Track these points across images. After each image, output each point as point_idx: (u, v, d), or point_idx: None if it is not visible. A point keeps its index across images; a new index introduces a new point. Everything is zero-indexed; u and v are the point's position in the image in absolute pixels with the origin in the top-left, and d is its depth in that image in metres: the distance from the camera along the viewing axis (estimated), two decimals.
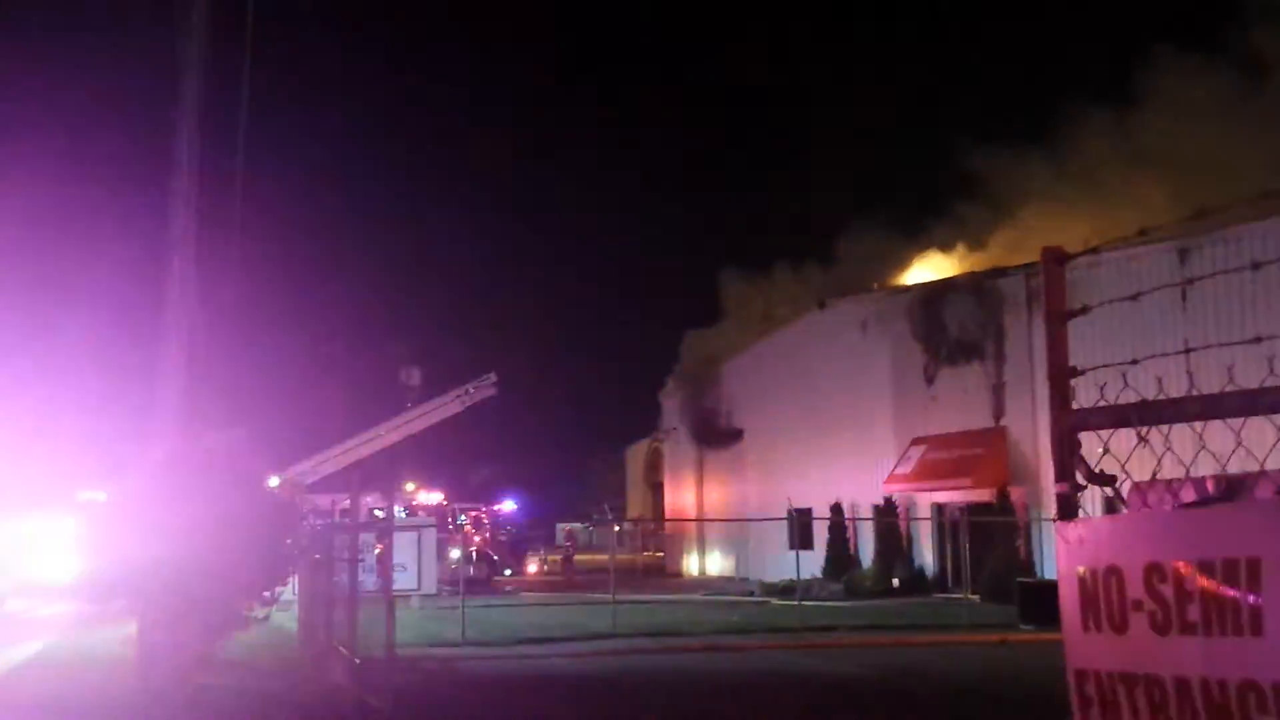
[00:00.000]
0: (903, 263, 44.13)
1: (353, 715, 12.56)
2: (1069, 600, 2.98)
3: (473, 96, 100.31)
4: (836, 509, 35.73)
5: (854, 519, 35.46)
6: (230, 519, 14.80)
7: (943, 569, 33.54)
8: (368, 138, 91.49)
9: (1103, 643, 2.86)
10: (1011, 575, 27.51)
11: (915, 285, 37.72)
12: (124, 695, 13.94)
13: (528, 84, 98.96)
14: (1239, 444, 2.56)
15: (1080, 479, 3.02)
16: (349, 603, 14.02)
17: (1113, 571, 2.81)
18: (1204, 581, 2.55)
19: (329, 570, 15.90)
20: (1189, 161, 36.50)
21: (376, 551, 16.11)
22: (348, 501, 30.82)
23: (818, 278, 49.62)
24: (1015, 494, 30.99)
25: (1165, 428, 2.70)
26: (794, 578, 30.02)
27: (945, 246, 43.51)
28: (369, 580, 15.58)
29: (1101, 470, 2.97)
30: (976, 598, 29.22)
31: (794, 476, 39.08)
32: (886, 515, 34.53)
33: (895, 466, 34.45)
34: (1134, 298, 3.06)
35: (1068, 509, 3.06)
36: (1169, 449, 2.74)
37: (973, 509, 31.28)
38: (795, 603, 26.48)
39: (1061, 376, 3.09)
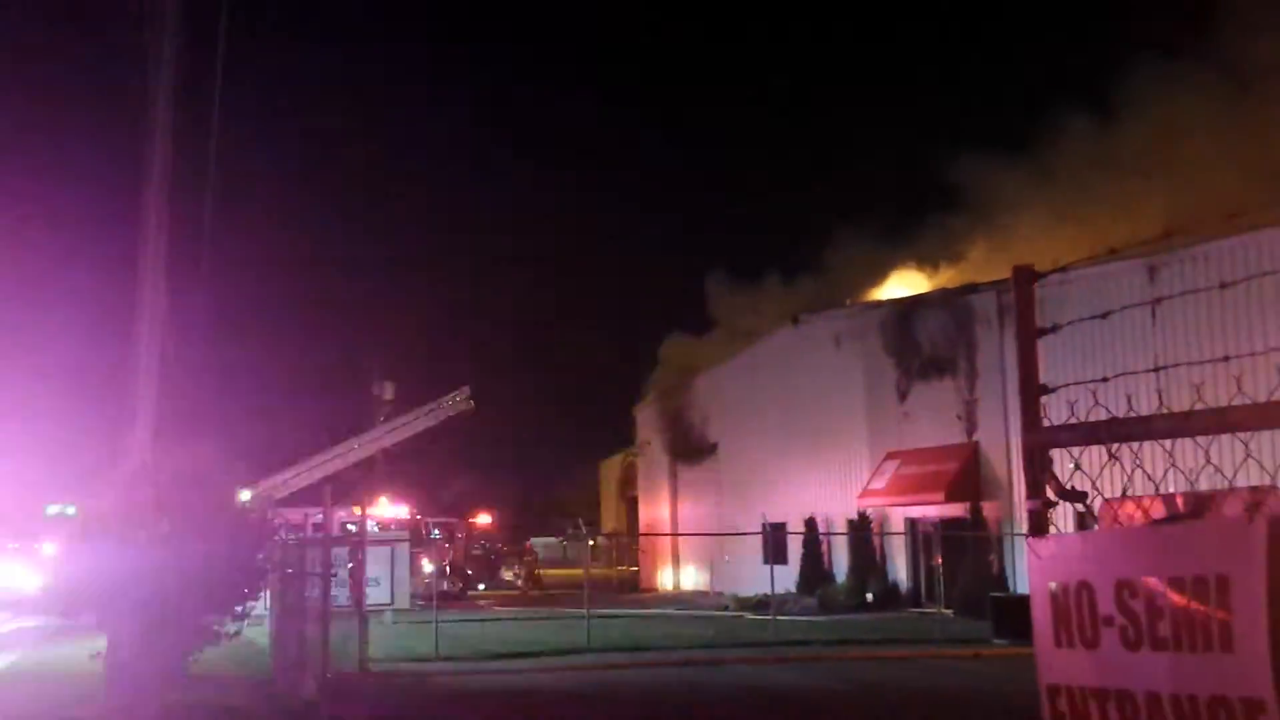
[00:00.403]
0: (887, 273, 44.29)
1: None
2: (1041, 615, 3.00)
3: (453, 103, 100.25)
4: (810, 523, 35.78)
5: (828, 534, 35.53)
6: (201, 533, 14.72)
7: (916, 584, 33.64)
8: (342, 148, 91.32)
9: (1074, 658, 2.88)
10: (984, 590, 27.61)
11: (888, 301, 37.92)
12: (92, 711, 13.80)
13: (510, 91, 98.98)
14: (1208, 461, 2.59)
15: (1051, 495, 3.04)
16: (321, 617, 13.94)
17: (1084, 587, 2.83)
18: (1175, 598, 2.57)
19: (301, 585, 15.82)
20: (1173, 170, 36.76)
21: (349, 566, 16.04)
22: (319, 516, 30.67)
23: (808, 287, 49.66)
24: (988, 509, 31.13)
25: (1135, 445, 2.72)
26: (768, 592, 30.04)
27: (929, 258, 43.67)
28: (341, 595, 15.47)
29: (1073, 487, 2.99)
30: (950, 612, 29.31)
31: (768, 491, 39.14)
32: (860, 530, 34.61)
33: (869, 481, 34.55)
34: (1104, 316, 3.09)
35: (1039, 525, 3.08)
36: (1139, 466, 2.77)
37: (946, 524, 31.40)
38: (769, 617, 26.49)
39: (1032, 394, 3.12)
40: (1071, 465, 3.01)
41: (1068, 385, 2.96)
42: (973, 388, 32.30)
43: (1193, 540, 2.56)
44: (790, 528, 35.50)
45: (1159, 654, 2.63)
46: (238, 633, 16.74)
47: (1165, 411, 2.62)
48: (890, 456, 34.28)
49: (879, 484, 34.13)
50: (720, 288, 56.10)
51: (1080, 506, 2.97)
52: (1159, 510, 2.72)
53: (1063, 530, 3.10)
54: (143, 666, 13.86)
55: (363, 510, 25.67)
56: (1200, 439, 2.52)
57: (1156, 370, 2.83)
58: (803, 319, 40.22)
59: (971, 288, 33.80)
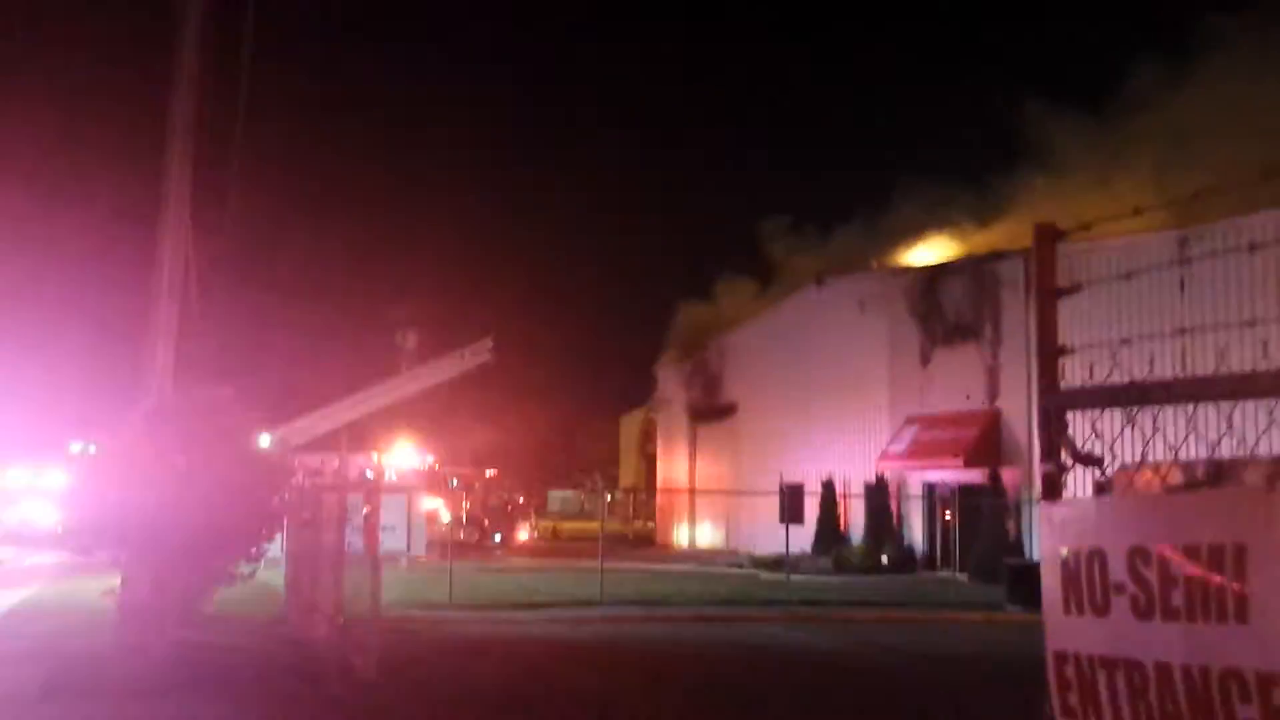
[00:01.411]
0: (936, 230, 43.36)
1: (336, 674, 12.55)
2: (1051, 581, 2.93)
3: (486, 45, 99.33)
4: (828, 485, 35.77)
5: (845, 495, 35.51)
6: (218, 474, 14.77)
7: (931, 548, 33.62)
8: (367, 96, 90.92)
9: (1083, 625, 2.81)
10: (1000, 556, 27.54)
11: (914, 266, 37.65)
12: (106, 647, 13.93)
13: (545, 27, 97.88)
14: (1229, 427, 2.50)
15: (1066, 459, 2.96)
16: (335, 562, 13.99)
17: (1096, 553, 2.76)
18: (1190, 567, 2.49)
19: (317, 530, 15.87)
20: (1242, 132, 35.59)
21: (365, 512, 16.09)
22: (338, 462, 30.79)
23: (862, 237, 48.53)
24: (1007, 475, 31.01)
25: (1155, 411, 2.63)
26: (783, 552, 30.07)
27: (978, 216, 42.62)
28: (356, 541, 15.54)
29: (1089, 451, 2.91)
30: (964, 577, 29.31)
31: (787, 452, 39.09)
32: (878, 493, 34.58)
33: (888, 445, 34.47)
34: (1127, 277, 2.99)
35: (1052, 489, 3.00)
36: (1158, 430, 2.68)
37: (964, 489, 31.33)
38: (784, 576, 26.52)
39: (1050, 355, 3.03)
40: (1089, 430, 2.92)
41: (1088, 347, 2.87)
42: (996, 354, 32.10)
43: (1211, 508, 2.48)
44: (808, 489, 35.48)
45: (1171, 624, 2.56)
46: (253, 574, 16.87)
47: (1187, 376, 2.53)
48: (910, 421, 34.17)
49: (898, 447, 34.05)
50: (773, 233, 55.13)
51: (1096, 472, 2.88)
52: (1176, 478, 2.64)
53: (1078, 496, 3.02)
54: (157, 604, 13.96)
55: (379, 458, 25.75)
56: (1223, 404, 2.43)
57: (1181, 334, 2.73)
58: (827, 281, 40.00)
59: (998, 254, 33.51)
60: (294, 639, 15.38)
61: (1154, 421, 2.63)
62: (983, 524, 30.36)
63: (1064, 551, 2.86)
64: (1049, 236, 3.02)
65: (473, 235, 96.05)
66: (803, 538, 33.36)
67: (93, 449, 17.66)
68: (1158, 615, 2.59)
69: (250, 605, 18.29)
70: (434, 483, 38.81)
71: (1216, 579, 2.43)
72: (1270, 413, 2.36)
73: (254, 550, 16.11)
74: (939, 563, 32.82)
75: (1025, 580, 23.59)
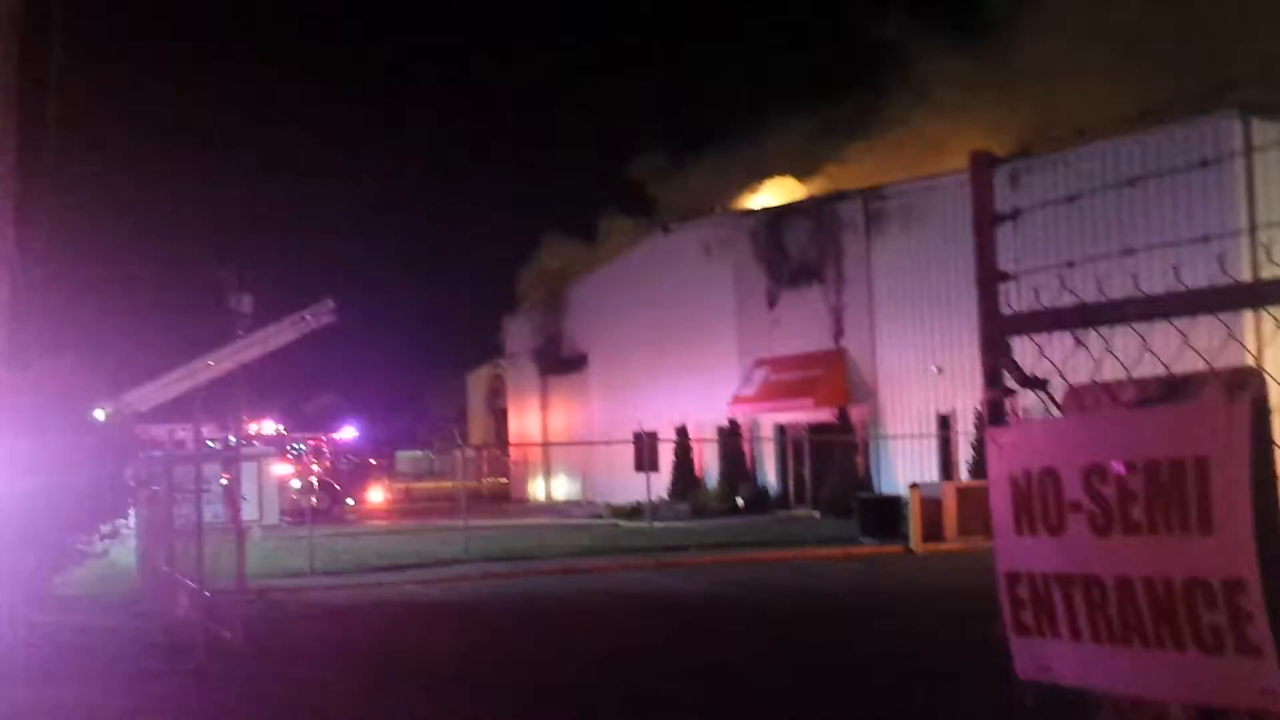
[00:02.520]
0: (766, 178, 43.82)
1: (203, 647, 12.17)
2: (1000, 504, 2.96)
3: (308, 4, 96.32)
4: (682, 431, 36.17)
5: (699, 440, 35.97)
6: (63, 450, 14.12)
7: (785, 488, 34.37)
8: (193, 43, 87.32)
9: (1037, 545, 2.86)
10: (851, 492, 28.38)
11: (757, 209, 38.12)
12: None
13: None
14: (1186, 343, 2.56)
15: (1012, 384, 2.99)
16: (196, 535, 13.54)
17: (1049, 474, 2.80)
18: (1149, 481, 2.55)
19: (169, 503, 15.32)
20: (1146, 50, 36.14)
21: (223, 482, 15.60)
22: (182, 432, 29.77)
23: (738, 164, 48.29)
24: (855, 413, 31.85)
25: (1106, 333, 2.67)
26: (640, 500, 30.36)
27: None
28: (209, 512, 15.06)
29: (1034, 374, 2.95)
30: (817, 514, 30.08)
31: (639, 400, 39.36)
32: (731, 436, 35.13)
33: (739, 388, 35.00)
34: (1070, 200, 3.03)
35: (998, 415, 3.04)
36: (1109, 351, 2.73)
37: (814, 429, 32.06)
38: (646, 524, 26.76)
39: (990, 280, 3.05)
40: (1033, 354, 2.96)
41: (1031, 272, 2.91)
42: (840, 294, 32.81)
43: (1170, 423, 2.53)
44: (662, 436, 35.86)
45: (1131, 537, 2.62)
46: (105, 552, 16.21)
47: (1138, 296, 2.58)
48: (760, 363, 34.74)
49: (749, 391, 34.60)
50: (644, 167, 54.80)
51: (1042, 394, 2.93)
52: (1129, 396, 2.69)
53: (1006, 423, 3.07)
54: (4, 589, 13.31)
55: (229, 426, 24.99)
56: (1177, 322, 2.48)
57: (1128, 254, 2.78)
58: (672, 227, 40.22)
59: (839, 194, 34.18)
60: (154, 616, 14.88)
61: (1105, 343, 2.67)
62: (833, 462, 31.17)
63: (1014, 473, 2.89)
64: (984, 163, 3.03)
65: (312, 193, 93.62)
66: (658, 484, 33.73)
67: None
68: (1116, 530, 2.64)
69: (102, 583, 17.62)
70: (282, 449, 37.90)
71: (1178, 492, 2.49)
72: (1229, 327, 2.42)
73: (105, 527, 15.46)
74: (793, 501, 33.59)
75: (875, 513, 24.38)
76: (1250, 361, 2.50)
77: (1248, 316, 2.64)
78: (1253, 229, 20.04)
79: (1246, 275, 3.86)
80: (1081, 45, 38.37)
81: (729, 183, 45.24)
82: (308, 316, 41.34)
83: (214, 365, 39.46)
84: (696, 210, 41.63)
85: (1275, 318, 2.38)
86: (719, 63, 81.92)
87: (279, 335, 41.18)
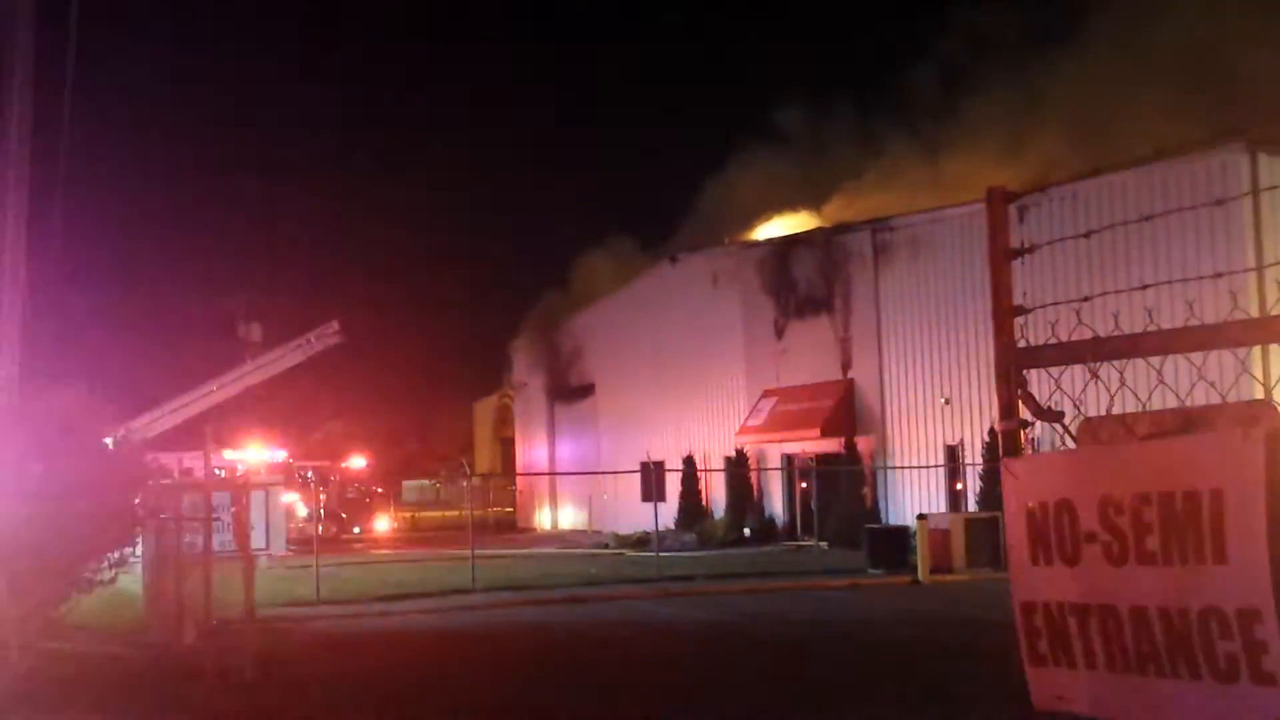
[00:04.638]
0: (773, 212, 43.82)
1: (211, 677, 12.17)
2: (1016, 534, 3.00)
3: (316, 41, 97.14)
4: (689, 461, 36.14)
5: (706, 470, 35.93)
6: (72, 478, 14.16)
7: (792, 518, 34.30)
8: (206, 78, 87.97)
9: (1053, 575, 2.89)
10: (858, 522, 28.32)
11: (765, 240, 38.23)
12: None
13: (373, 23, 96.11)
14: (1201, 377, 2.60)
15: (1027, 415, 3.04)
16: (204, 564, 13.55)
17: (1065, 505, 2.84)
18: (1164, 513, 2.59)
19: (178, 531, 15.34)
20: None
21: (232, 511, 15.63)
22: (189, 460, 29.79)
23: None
24: (862, 444, 31.82)
25: (1121, 365, 2.72)
26: (647, 529, 30.29)
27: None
28: (218, 541, 15.09)
29: (1050, 406, 2.99)
30: (825, 545, 30.00)
31: (646, 429, 39.36)
32: (738, 466, 35.10)
33: (746, 418, 35.00)
34: (1087, 235, 3.08)
35: (1013, 446, 3.08)
36: (1124, 385, 2.77)
37: (821, 459, 32.04)
38: (652, 554, 26.71)
39: (1005, 314, 3.10)
40: (1050, 388, 3.00)
41: (1046, 306, 2.95)
42: (847, 325, 32.87)
43: (1185, 455, 2.58)
44: (669, 466, 35.84)
45: (1146, 568, 2.66)
46: (113, 580, 16.21)
47: (1155, 329, 2.62)
48: (767, 393, 34.75)
49: (756, 421, 34.60)
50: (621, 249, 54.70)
51: (1058, 427, 2.97)
52: (1144, 428, 2.73)
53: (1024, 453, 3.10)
54: (17, 613, 13.33)
55: (233, 454, 24.99)
56: (1194, 356, 2.53)
57: (1144, 289, 2.83)
58: (680, 257, 40.33)
59: (846, 226, 34.29)
60: (161, 645, 14.86)
61: (1120, 376, 2.72)
62: (840, 492, 31.12)
63: (1030, 505, 2.93)
64: (1000, 198, 3.09)
65: (318, 225, 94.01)
66: (665, 514, 33.67)
67: None
68: (1132, 561, 2.68)
69: (109, 612, 17.60)
70: (289, 477, 37.95)
71: (1193, 523, 2.53)
72: (1242, 361, 2.47)
73: (114, 555, 15.47)
74: (800, 532, 33.51)
75: (883, 544, 24.33)
76: (1261, 395, 2.54)
77: (1257, 351, 2.69)
78: (1259, 265, 20.05)
79: (1254, 310, 3.90)
80: (1102, 78, 38.42)
81: (737, 212, 45.30)
82: (312, 339, 41.51)
83: (220, 391, 39.58)
84: (704, 241, 41.74)
85: None
86: (724, 97, 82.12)
87: (284, 358, 41.34)
